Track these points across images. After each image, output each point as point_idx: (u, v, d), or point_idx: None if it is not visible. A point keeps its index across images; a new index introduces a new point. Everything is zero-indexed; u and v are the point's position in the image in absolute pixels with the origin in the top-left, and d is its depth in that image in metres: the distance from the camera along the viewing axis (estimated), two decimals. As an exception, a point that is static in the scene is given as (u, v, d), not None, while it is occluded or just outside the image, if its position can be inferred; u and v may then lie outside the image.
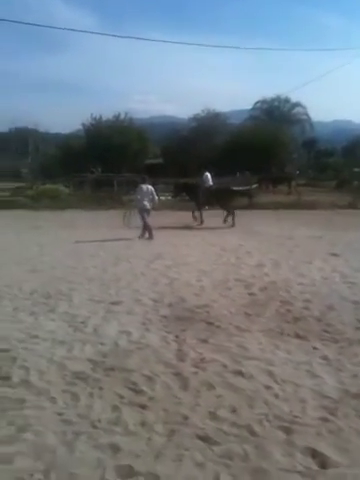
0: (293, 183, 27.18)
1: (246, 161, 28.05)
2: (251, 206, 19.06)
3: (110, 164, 28.34)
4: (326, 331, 5.36)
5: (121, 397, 3.91)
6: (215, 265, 9.10)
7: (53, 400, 3.88)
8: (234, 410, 3.63)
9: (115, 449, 3.17)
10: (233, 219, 15.56)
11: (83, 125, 33.70)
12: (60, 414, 3.65)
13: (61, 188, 26.18)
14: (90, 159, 30.13)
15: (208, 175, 17.33)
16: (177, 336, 5.28)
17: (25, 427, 3.47)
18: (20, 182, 32.82)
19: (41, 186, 26.79)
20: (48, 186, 26.53)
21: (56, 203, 22.98)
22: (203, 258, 9.85)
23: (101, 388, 4.06)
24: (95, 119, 33.23)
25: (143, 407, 3.72)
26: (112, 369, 4.44)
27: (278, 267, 8.85)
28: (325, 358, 4.59)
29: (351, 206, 20.61)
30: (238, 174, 28.01)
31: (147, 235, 12.91)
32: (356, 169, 33.81)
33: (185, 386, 4.06)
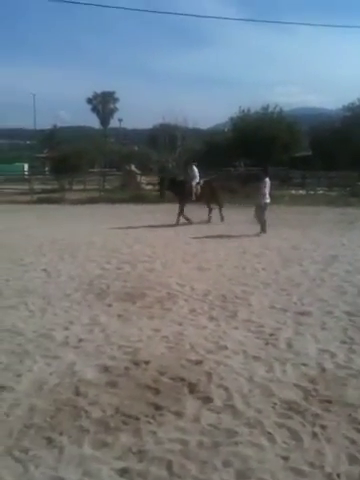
0: None
1: None
2: None
3: (256, 158, 27.54)
4: None
5: (354, 443, 3.17)
6: None
7: (270, 437, 3.26)
8: None
9: None
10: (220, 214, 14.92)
11: (231, 118, 33.37)
12: (285, 459, 3.02)
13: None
14: (236, 153, 29.62)
15: (195, 169, 15.19)
16: None
17: (247, 473, 2.90)
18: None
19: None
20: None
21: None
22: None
23: (324, 427, 3.36)
24: (243, 111, 32.64)
25: (389, 463, 2.94)
26: (329, 402, 3.72)
27: None
28: None
29: None
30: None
31: (261, 231, 12.31)
32: None
33: None
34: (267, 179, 12.49)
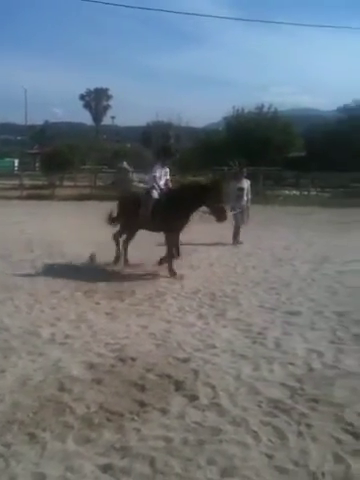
0: None
1: None
2: None
3: (250, 157, 27.53)
4: None
5: (339, 442, 3.14)
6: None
7: (255, 435, 3.23)
8: None
9: None
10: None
11: (225, 118, 33.36)
12: (270, 457, 2.99)
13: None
14: (230, 152, 29.61)
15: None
16: (384, 364, 4.38)
17: (230, 471, 2.87)
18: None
19: (182, 179, 26.87)
20: (190, 179, 26.51)
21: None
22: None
23: (310, 426, 3.33)
24: (237, 111, 32.63)
25: (375, 463, 2.92)
26: (316, 401, 3.69)
27: None
28: None
29: None
30: None
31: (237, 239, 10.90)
32: None
33: None
34: (244, 180, 11.26)
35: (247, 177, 11.53)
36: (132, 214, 8.15)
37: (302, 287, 7.12)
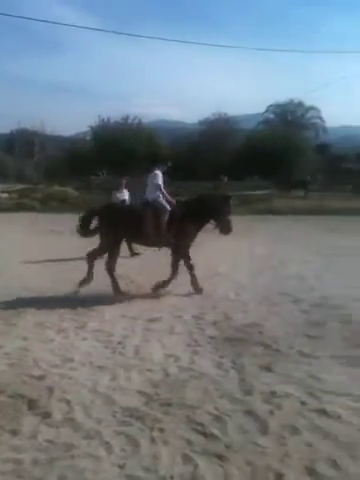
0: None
1: (260, 166, 27.44)
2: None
3: (118, 167, 27.72)
4: None
5: (190, 443, 3.25)
6: (252, 276, 8.45)
7: (108, 446, 3.21)
8: (335, 464, 2.97)
9: None
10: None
11: (91, 127, 33.21)
12: (121, 467, 2.99)
13: (70, 191, 25.57)
14: (97, 162, 29.53)
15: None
16: (234, 362, 4.63)
17: (81, 485, 2.81)
18: (24, 184, 32.03)
19: (49, 188, 26.17)
20: (56, 188, 25.90)
21: (65, 206, 22.40)
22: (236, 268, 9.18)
23: (162, 430, 3.40)
24: (103, 121, 32.65)
25: (220, 458, 3.06)
26: (169, 405, 3.78)
27: (322, 279, 8.21)
28: None
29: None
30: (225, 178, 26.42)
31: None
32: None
33: (264, 429, 3.40)
34: (125, 191, 11.27)
35: (127, 188, 11.46)
36: (127, 228, 7.31)
37: (162, 294, 7.25)
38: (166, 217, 7.19)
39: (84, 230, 7.39)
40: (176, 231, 7.21)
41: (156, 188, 7.33)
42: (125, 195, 11.16)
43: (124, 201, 10.94)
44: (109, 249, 7.34)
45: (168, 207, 7.25)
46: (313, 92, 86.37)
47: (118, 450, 3.17)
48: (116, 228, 7.23)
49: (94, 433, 3.37)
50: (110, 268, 7.27)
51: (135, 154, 28.25)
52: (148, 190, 7.49)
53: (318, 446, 3.18)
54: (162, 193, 7.35)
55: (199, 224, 7.44)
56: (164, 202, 7.29)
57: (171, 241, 7.29)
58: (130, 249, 10.56)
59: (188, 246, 7.43)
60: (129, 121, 32.14)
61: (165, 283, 7.29)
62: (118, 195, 11.08)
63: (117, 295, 7.13)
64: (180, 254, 7.36)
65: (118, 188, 11.34)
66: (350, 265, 9.47)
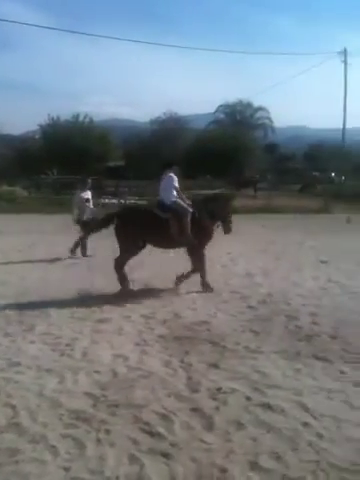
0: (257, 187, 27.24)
1: (210, 165, 27.76)
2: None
3: (70, 166, 27.35)
4: (346, 350, 4.89)
5: (136, 443, 3.27)
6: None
7: (54, 449, 3.19)
8: (278, 457, 3.06)
9: None
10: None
11: (40, 126, 32.59)
12: (66, 470, 2.97)
13: (18, 190, 24.99)
14: (48, 161, 29.02)
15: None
16: (182, 360, 4.68)
17: (25, 490, 2.78)
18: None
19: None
20: (4, 188, 25.26)
21: (13, 206, 21.86)
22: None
23: (109, 432, 3.40)
24: (53, 119, 32.10)
25: (166, 456, 3.10)
26: (116, 405, 3.78)
27: (269, 276, 8.41)
28: (358, 385, 4.10)
29: (323, 210, 20.76)
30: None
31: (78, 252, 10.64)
32: (315, 173, 34.40)
33: (209, 426, 3.46)
34: (89, 191, 11.10)
35: (91, 188, 11.38)
36: (148, 232, 7.22)
37: (112, 295, 7.21)
38: (189, 218, 7.14)
39: (97, 229, 7.78)
40: (196, 231, 7.21)
41: (172, 190, 7.26)
42: (88, 194, 11.07)
43: (88, 200, 10.90)
44: (127, 253, 7.35)
45: (190, 209, 7.19)
46: (262, 93, 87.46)
47: (64, 453, 3.15)
48: (136, 232, 7.19)
49: (39, 437, 3.34)
50: (118, 265, 7.26)
51: (86, 153, 27.97)
52: (163, 193, 7.38)
53: (262, 440, 3.27)
54: (179, 195, 7.32)
55: (215, 223, 7.58)
56: (184, 204, 7.24)
57: (194, 242, 7.24)
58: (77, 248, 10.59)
59: (205, 245, 7.51)
60: (80, 120, 31.81)
61: (202, 282, 7.39)
62: (82, 195, 10.95)
63: (124, 289, 7.20)
64: (198, 254, 7.41)
65: (82, 188, 11.22)
66: (297, 261, 9.76)
